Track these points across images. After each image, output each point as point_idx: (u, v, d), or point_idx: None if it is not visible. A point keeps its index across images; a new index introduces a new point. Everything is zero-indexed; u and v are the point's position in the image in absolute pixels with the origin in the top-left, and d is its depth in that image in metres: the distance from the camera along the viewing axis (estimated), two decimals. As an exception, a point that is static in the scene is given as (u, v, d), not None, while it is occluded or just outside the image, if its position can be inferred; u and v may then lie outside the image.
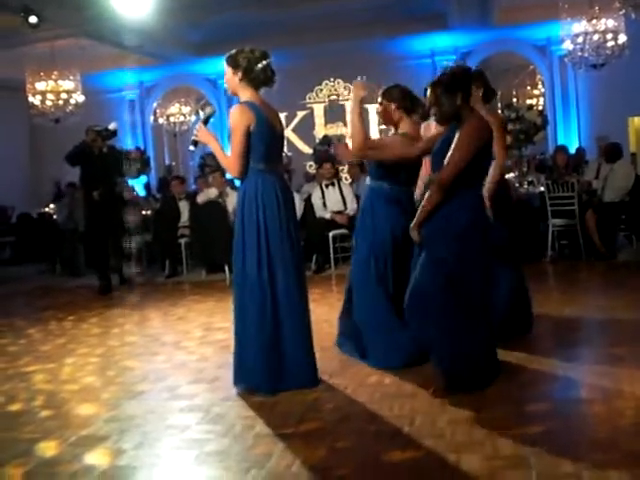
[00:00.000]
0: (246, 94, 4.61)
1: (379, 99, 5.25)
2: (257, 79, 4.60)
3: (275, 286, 4.53)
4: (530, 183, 11.12)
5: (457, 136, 4.20)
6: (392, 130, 5.26)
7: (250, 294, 4.54)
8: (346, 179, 13.10)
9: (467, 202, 4.25)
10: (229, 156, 4.56)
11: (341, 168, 14.16)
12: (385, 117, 5.22)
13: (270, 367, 4.52)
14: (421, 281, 4.28)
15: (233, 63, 4.59)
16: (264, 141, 4.55)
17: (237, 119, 4.50)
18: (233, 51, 4.63)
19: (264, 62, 4.59)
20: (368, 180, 5.33)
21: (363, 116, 5.06)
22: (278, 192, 4.61)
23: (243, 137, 4.49)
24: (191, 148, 4.90)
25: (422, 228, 4.30)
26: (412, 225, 4.34)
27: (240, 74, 4.57)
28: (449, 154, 4.18)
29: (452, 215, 4.19)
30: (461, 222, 4.19)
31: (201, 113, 4.80)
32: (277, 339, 4.52)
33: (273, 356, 4.51)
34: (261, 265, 4.52)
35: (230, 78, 4.64)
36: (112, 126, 9.65)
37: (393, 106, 5.12)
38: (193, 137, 4.71)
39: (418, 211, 4.34)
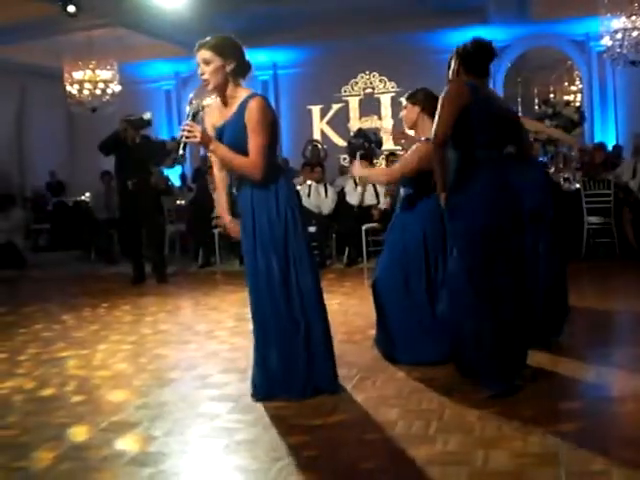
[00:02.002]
0: (239, 87, 4.20)
1: (404, 102, 5.24)
2: (245, 70, 4.22)
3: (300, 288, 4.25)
4: (566, 180, 11.01)
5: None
6: (412, 133, 5.23)
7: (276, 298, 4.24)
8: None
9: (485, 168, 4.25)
10: (252, 156, 4.09)
11: (376, 161, 14.16)
12: (409, 120, 5.19)
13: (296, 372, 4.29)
14: (451, 273, 4.29)
15: (223, 52, 4.11)
16: (278, 137, 4.34)
17: (264, 114, 4.10)
18: (216, 38, 4.15)
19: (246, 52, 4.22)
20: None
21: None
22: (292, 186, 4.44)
23: (269, 133, 4.12)
24: (180, 152, 4.14)
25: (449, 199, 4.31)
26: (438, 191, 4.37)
27: (233, 65, 4.13)
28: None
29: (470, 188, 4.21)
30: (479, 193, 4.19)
31: (188, 108, 4.23)
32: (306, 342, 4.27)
33: (298, 361, 4.26)
34: (289, 267, 4.21)
35: (216, 69, 4.12)
36: (146, 116, 9.66)
37: (417, 109, 5.10)
38: (183, 139, 4.05)
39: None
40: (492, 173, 4.23)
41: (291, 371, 4.27)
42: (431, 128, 4.89)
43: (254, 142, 4.08)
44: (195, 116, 4.12)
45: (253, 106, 4.09)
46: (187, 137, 4.04)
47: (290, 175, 4.38)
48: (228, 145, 4.16)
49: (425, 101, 5.04)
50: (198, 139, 4.04)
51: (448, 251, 4.52)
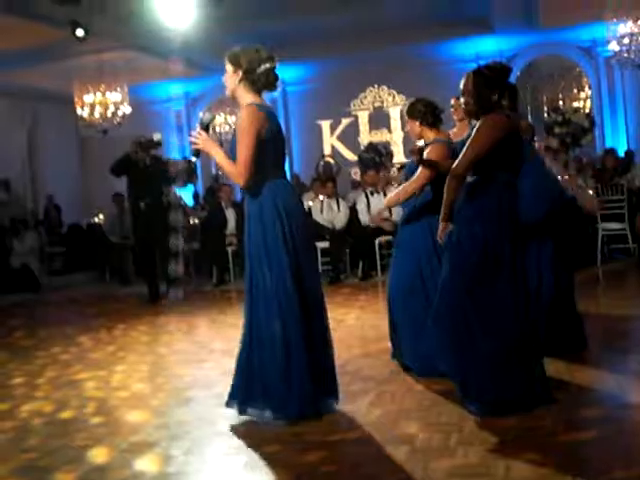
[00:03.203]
0: (248, 96, 4.29)
1: (405, 116, 5.29)
2: (259, 81, 4.28)
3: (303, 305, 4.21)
4: (579, 187, 10.98)
5: (475, 129, 4.19)
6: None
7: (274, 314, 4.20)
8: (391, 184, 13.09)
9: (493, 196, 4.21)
10: (237, 165, 4.18)
11: (387, 174, 14.15)
12: (413, 134, 5.23)
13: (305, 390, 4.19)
14: (444, 294, 4.23)
15: (235, 61, 4.28)
16: (277, 146, 4.33)
17: (248, 121, 4.17)
18: (237, 48, 4.33)
19: (267, 65, 4.29)
20: None
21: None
22: (296, 199, 4.43)
23: (254, 141, 4.14)
24: (192, 159, 4.45)
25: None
26: (441, 220, 4.35)
27: (241, 74, 4.26)
28: (466, 145, 4.19)
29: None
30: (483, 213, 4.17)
31: (201, 117, 4.40)
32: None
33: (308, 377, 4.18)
34: (293, 278, 4.18)
35: (230, 77, 4.32)
36: (156, 137, 9.74)
37: (417, 123, 5.12)
38: (193, 146, 4.30)
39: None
40: (507, 192, 4.22)
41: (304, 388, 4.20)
42: (432, 137, 4.91)
43: (238, 151, 4.18)
44: (207, 126, 4.34)
45: (241, 115, 4.25)
46: (193, 142, 4.28)
47: (281, 190, 4.28)
48: (231, 151, 4.28)
49: (424, 114, 5.07)
50: (201, 145, 4.25)
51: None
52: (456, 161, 4.21)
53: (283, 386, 4.14)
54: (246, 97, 4.31)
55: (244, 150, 4.15)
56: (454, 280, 4.18)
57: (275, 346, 4.16)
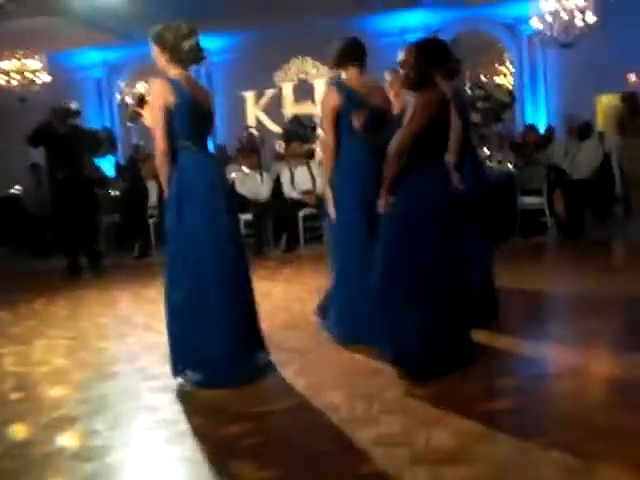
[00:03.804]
0: (175, 72, 4.42)
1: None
2: (186, 59, 4.44)
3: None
4: (499, 162, 11.17)
5: (413, 107, 4.22)
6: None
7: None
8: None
9: (435, 177, 4.29)
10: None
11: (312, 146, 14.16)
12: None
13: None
14: (392, 260, 4.29)
15: (160, 41, 4.41)
16: (189, 119, 4.39)
17: (153, 95, 4.37)
18: (159, 27, 4.43)
19: (191, 41, 4.41)
20: None
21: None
22: (210, 172, 4.48)
23: (160, 113, 4.31)
24: (128, 124, 4.69)
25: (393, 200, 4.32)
26: (381, 192, 4.37)
27: (167, 53, 4.40)
28: (405, 123, 4.23)
29: (424, 193, 4.22)
30: (433, 201, 4.22)
31: (128, 99, 4.64)
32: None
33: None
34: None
35: (158, 57, 4.45)
36: (73, 106, 9.52)
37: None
38: (133, 111, 4.53)
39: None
40: (437, 176, 4.30)
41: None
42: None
43: (152, 127, 4.43)
44: (141, 100, 4.59)
45: (149, 88, 4.48)
46: (138, 113, 4.59)
47: (187, 160, 4.41)
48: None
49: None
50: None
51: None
52: (394, 140, 4.24)
53: (214, 351, 4.31)
54: (174, 73, 4.42)
55: (153, 122, 4.37)
56: (388, 251, 4.25)
57: (199, 314, 4.33)
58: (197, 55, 4.47)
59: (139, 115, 4.56)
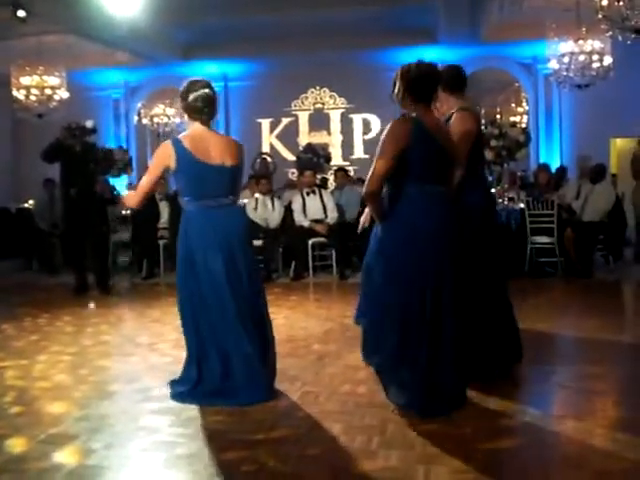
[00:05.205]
0: (191, 125, 4.60)
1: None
2: (193, 111, 4.54)
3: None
4: (510, 199, 11.19)
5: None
6: None
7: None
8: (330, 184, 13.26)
9: (419, 205, 4.18)
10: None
11: (324, 176, 14.23)
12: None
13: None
14: (382, 292, 4.29)
15: (180, 95, 4.59)
16: (190, 177, 4.49)
17: (156, 154, 4.57)
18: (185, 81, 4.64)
19: (196, 93, 4.48)
20: None
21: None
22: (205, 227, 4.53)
23: (156, 173, 4.56)
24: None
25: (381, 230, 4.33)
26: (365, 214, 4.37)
27: (183, 109, 4.60)
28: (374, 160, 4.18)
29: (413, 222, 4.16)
30: (420, 231, 4.16)
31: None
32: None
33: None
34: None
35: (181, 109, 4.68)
36: (89, 124, 9.60)
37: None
38: None
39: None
40: (422, 206, 4.18)
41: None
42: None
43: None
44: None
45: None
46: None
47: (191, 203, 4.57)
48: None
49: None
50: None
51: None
52: (366, 184, 4.19)
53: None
54: (191, 126, 4.60)
55: (146, 176, 4.60)
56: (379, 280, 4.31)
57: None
58: (197, 107, 4.50)
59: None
